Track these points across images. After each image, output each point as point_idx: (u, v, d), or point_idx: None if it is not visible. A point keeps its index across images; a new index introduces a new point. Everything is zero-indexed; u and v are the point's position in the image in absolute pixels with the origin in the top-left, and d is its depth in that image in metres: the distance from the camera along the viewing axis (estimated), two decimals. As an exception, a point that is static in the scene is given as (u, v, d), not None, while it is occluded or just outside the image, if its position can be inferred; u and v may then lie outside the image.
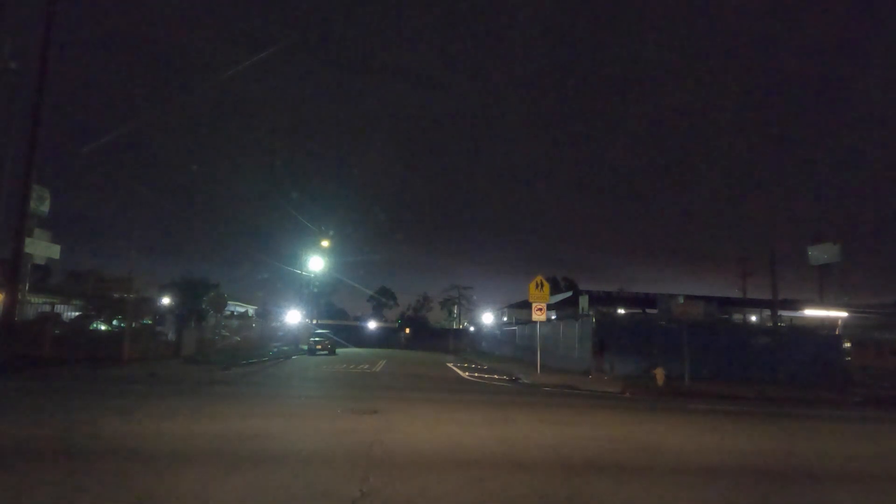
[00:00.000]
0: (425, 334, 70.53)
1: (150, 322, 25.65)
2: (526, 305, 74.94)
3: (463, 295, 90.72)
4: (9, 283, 20.48)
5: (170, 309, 26.23)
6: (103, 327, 26.83)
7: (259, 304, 55.00)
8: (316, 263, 48.50)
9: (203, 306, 26.49)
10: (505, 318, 72.76)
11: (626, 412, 14.12)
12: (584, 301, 26.60)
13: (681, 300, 22.59)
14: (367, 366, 28.65)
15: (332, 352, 40.36)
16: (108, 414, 10.36)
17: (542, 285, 25.07)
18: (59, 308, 27.09)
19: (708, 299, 27.75)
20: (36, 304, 26.91)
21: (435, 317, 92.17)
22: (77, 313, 27.36)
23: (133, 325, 24.32)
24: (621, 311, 30.15)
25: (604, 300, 28.39)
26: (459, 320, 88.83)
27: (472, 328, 74.89)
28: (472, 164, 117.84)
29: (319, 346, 39.87)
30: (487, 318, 72.52)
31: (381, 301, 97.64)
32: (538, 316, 25.04)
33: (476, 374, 25.50)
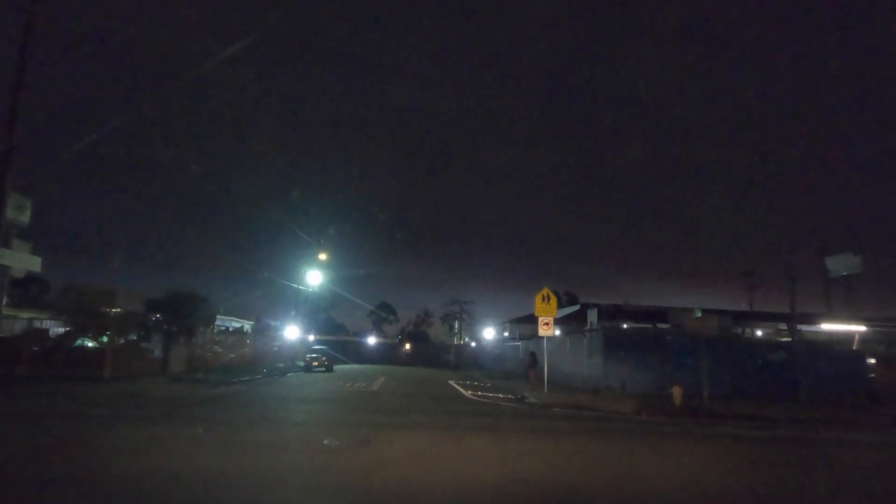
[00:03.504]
0: (426, 350, 68.66)
1: (134, 338, 23.97)
2: (528, 320, 73.13)
3: (464, 310, 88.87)
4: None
5: (156, 324, 24.59)
6: (90, 344, 25.18)
7: (256, 319, 53.36)
8: (314, 278, 46.87)
9: (192, 321, 24.84)
10: (506, 333, 70.99)
11: (647, 438, 12.45)
12: (592, 315, 24.94)
13: (698, 313, 20.96)
14: (364, 384, 26.93)
15: (329, 368, 38.60)
16: (43, 446, 8.70)
17: (548, 298, 23.45)
18: (48, 324, 25.50)
19: (721, 313, 26.15)
20: (24, 319, 25.28)
21: (436, 332, 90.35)
22: (64, 329, 25.75)
23: (116, 341, 22.66)
24: (629, 325, 28.52)
25: (612, 314, 26.71)
26: (461, 335, 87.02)
27: (473, 343, 73.06)
28: (473, 179, 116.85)
29: (316, 363, 38.11)
30: (489, 333, 70.74)
31: (381, 316, 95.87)
32: (545, 331, 23.38)
33: (480, 393, 23.79)
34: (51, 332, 25.61)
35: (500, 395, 23.24)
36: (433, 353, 66.20)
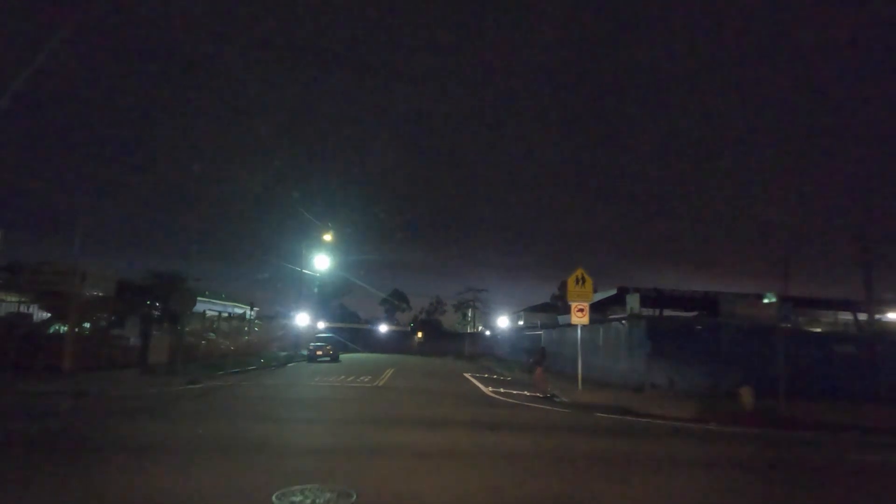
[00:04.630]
0: (439, 338, 65.08)
1: (103, 324, 20.41)
2: (543, 308, 69.54)
3: (477, 297, 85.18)
4: None
5: (130, 308, 21.05)
6: (65, 329, 21.71)
7: (262, 305, 49.90)
8: (321, 262, 43.31)
9: (170, 305, 21.26)
10: (521, 322, 67.14)
11: (758, 469, 8.57)
12: (633, 300, 20.99)
13: (771, 298, 16.94)
14: (369, 377, 23.21)
15: (334, 358, 34.97)
16: None
17: (583, 280, 19.55)
18: (35, 309, 22.08)
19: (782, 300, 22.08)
20: (12, 302, 21.87)
21: (448, 320, 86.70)
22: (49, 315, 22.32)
23: (81, 328, 19.14)
24: (672, 313, 24.62)
25: (653, 300, 22.67)
26: (474, 324, 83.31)
27: (487, 332, 69.25)
28: (486, 166, 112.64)
29: (320, 352, 34.48)
30: (503, 321, 67.05)
31: (393, 304, 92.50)
32: (579, 318, 19.49)
33: (502, 390, 19.97)
34: (35, 318, 22.23)
35: (526, 393, 19.42)
36: (446, 342, 62.60)
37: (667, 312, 26.67)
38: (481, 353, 55.13)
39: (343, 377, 22.88)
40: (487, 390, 20.05)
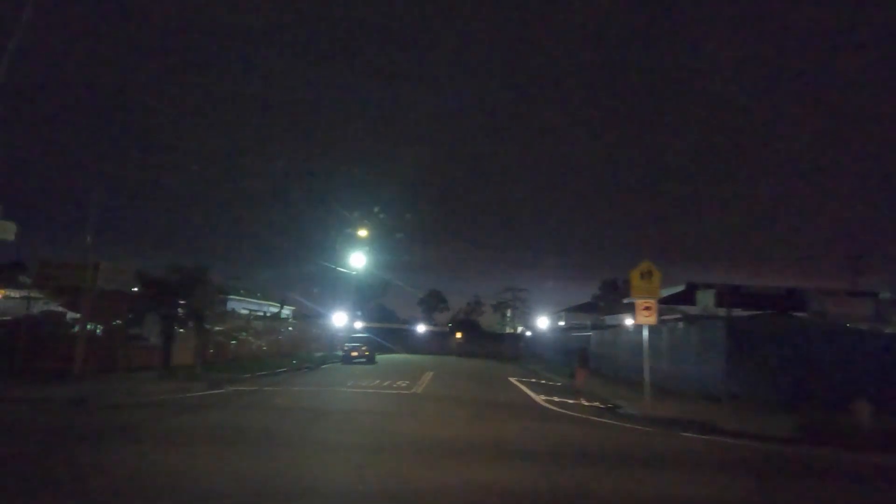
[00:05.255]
0: (478, 339, 62.52)
1: (120, 322, 18.60)
2: (586, 309, 66.34)
3: (517, 297, 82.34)
4: None
5: (151, 306, 19.23)
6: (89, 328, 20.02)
7: (299, 304, 48.23)
8: (357, 260, 41.31)
9: (194, 301, 19.36)
10: (562, 323, 64.07)
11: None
12: (706, 297, 18.10)
13: (885, 294, 13.94)
14: (406, 382, 20.88)
15: (370, 360, 32.82)
16: None
17: (649, 274, 16.78)
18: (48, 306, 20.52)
19: (865, 296, 18.92)
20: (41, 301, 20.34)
21: (487, 320, 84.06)
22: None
23: (93, 327, 17.35)
24: (748, 312, 21.56)
25: (730, 295, 19.64)
26: (514, 324, 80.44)
27: (528, 332, 66.34)
28: (525, 164, 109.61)
29: (355, 353, 32.38)
30: (542, 322, 64.20)
31: (431, 304, 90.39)
32: (645, 317, 16.69)
33: (556, 399, 17.35)
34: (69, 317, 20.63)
35: (584, 402, 16.80)
36: (485, 343, 60.02)
37: (736, 312, 23.55)
38: (523, 354, 52.36)
39: (378, 381, 20.61)
40: (539, 399, 17.47)
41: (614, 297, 72.44)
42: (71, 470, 6.70)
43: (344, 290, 48.44)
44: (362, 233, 34.22)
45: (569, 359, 34.05)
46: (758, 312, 19.73)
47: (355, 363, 31.71)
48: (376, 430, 10.37)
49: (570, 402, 16.92)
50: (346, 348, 33.01)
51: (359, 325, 51.84)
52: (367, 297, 68.55)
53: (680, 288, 19.97)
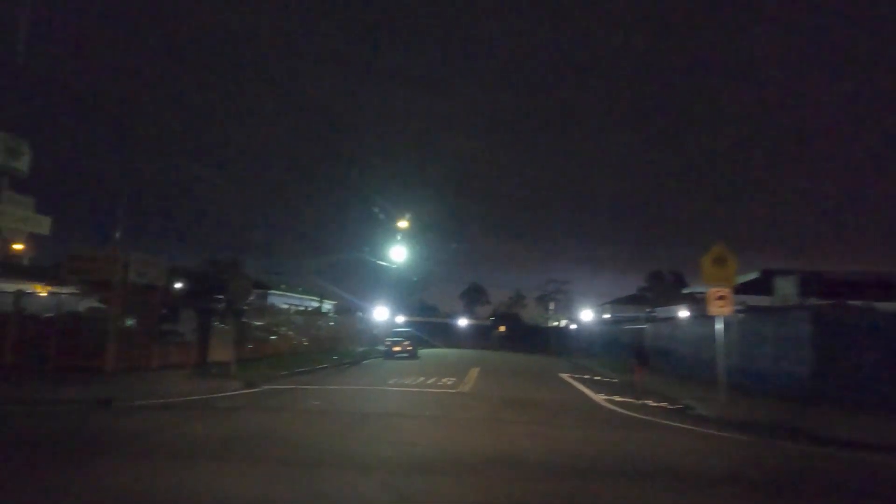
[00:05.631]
0: (520, 332, 60.68)
1: (153, 318, 17.65)
2: (631, 301, 63.72)
3: (560, 290, 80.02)
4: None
5: (186, 300, 18.26)
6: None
7: (340, 299, 47.41)
8: (398, 253, 40.05)
9: (232, 295, 18.27)
10: (608, 315, 61.67)
11: None
12: (786, 285, 15.96)
13: None
14: (452, 379, 19.39)
15: (413, 354, 31.47)
16: None
17: (723, 261, 14.84)
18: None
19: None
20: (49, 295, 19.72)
21: (528, 314, 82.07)
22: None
23: (124, 322, 16.42)
24: (831, 302, 19.22)
25: (814, 283, 17.36)
26: (557, 317, 78.18)
27: (573, 326, 64.08)
28: (567, 155, 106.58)
29: (398, 348, 31.09)
30: (586, 314, 61.99)
31: (472, 297, 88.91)
32: (719, 308, 14.78)
33: (619, 399, 15.55)
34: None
35: (650, 403, 14.97)
36: (529, 336, 58.11)
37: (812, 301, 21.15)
38: (569, 348, 50.29)
39: (422, 379, 19.18)
40: (600, 399, 15.72)
41: (662, 288, 69.53)
42: (51, 493, 5.42)
43: (384, 284, 47.48)
44: (402, 224, 32.86)
45: (620, 353, 32.05)
46: (847, 302, 17.42)
47: (397, 358, 30.45)
48: (422, 441, 8.88)
49: (634, 402, 15.13)
50: (387, 343, 31.78)
51: (400, 319, 50.77)
52: (408, 291, 67.50)
53: (753, 275, 17.82)
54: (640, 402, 15.17)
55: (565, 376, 23.14)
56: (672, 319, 33.26)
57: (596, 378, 22.62)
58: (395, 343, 31.47)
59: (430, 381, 18.33)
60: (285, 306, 32.52)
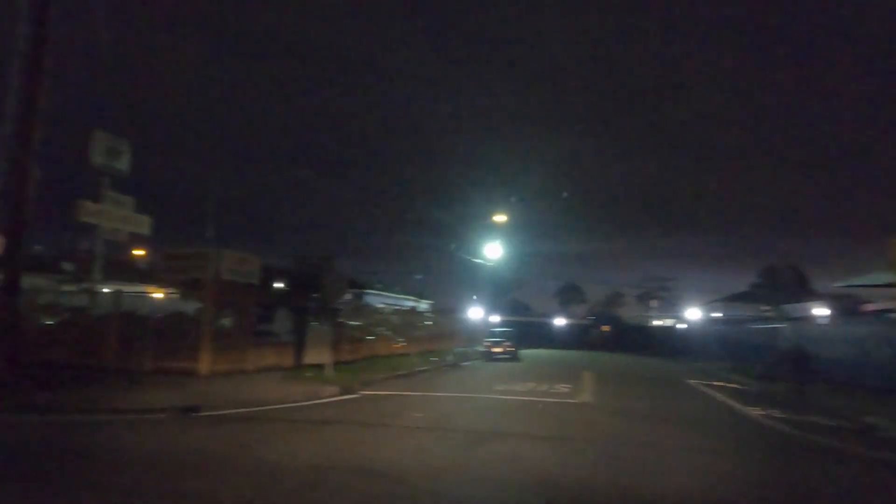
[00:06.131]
0: (623, 332, 56.73)
1: (247, 318, 16.64)
2: (743, 298, 58.01)
3: (663, 287, 74.88)
4: (9, 253, 12.44)
5: (281, 299, 17.20)
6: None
7: (435, 298, 46.13)
8: (493, 251, 38.01)
9: (325, 295, 16.98)
10: (720, 314, 56.46)
11: None
12: None
13: None
14: (566, 386, 17.04)
15: (513, 356, 29.28)
16: None
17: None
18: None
19: None
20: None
21: (627, 312, 77.31)
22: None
23: (219, 322, 15.44)
24: None
25: None
26: (661, 316, 73.05)
27: (683, 325, 59.23)
28: (666, 147, 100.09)
29: (498, 349, 29.05)
30: (692, 313, 57.09)
31: (568, 296, 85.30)
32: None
33: (777, 414, 12.59)
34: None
35: (821, 421, 11.94)
36: (632, 336, 54.06)
37: None
38: (679, 350, 46.01)
39: (532, 385, 17.00)
40: (754, 413, 12.85)
41: (779, 284, 63.02)
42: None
43: (478, 283, 45.64)
44: (500, 218, 30.72)
45: (743, 356, 28.17)
46: None
47: (498, 360, 28.41)
48: (563, 480, 6.71)
49: (800, 419, 12.14)
50: (487, 343, 29.81)
51: (495, 318, 48.72)
52: (503, 289, 65.32)
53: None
54: (806, 419, 12.18)
55: (694, 383, 20.10)
56: (807, 319, 28.95)
57: (731, 386, 19.39)
58: (495, 343, 29.45)
59: (542, 388, 16.09)
60: (381, 306, 31.33)
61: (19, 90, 12.58)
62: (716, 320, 53.55)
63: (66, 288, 17.79)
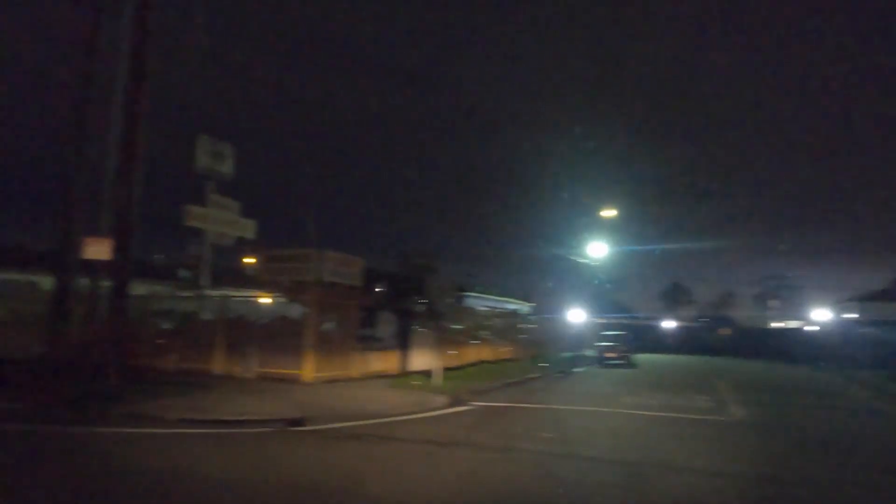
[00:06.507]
0: (741, 335, 51.63)
1: (352, 322, 15.68)
2: (885, 296, 51.08)
3: (785, 286, 68.08)
4: (116, 259, 12.10)
5: (385, 302, 16.14)
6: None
7: (535, 300, 43.92)
8: (597, 249, 35.40)
9: (431, 298, 15.73)
10: (856, 315, 49.96)
11: None
12: None
13: None
14: (703, 398, 14.67)
15: (628, 362, 26.78)
16: None
17: None
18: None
19: None
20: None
21: (742, 314, 70.81)
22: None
23: (321, 325, 14.53)
24: None
25: None
26: (782, 317, 66.35)
27: (809, 327, 53.16)
28: (784, 133, 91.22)
29: (611, 354, 26.69)
30: (821, 314, 51.04)
31: (674, 297, 79.78)
32: None
33: None
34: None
35: None
36: (749, 340, 48.90)
37: None
38: (813, 355, 40.87)
39: (663, 397, 14.78)
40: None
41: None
42: None
43: (581, 284, 42.99)
44: (609, 213, 28.24)
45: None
46: None
47: (610, 366, 26.05)
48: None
49: None
50: (599, 348, 27.49)
51: (598, 321, 45.84)
52: (603, 290, 61.84)
53: None
54: None
55: (863, 395, 16.88)
56: None
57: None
58: (608, 348, 27.08)
59: (678, 402, 13.84)
60: (483, 309, 29.85)
61: (123, 94, 12.33)
62: (854, 322, 47.47)
63: (180, 294, 17.77)
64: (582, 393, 15.94)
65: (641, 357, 33.40)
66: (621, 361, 26.46)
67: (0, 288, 20.75)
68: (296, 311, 15.03)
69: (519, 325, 31.84)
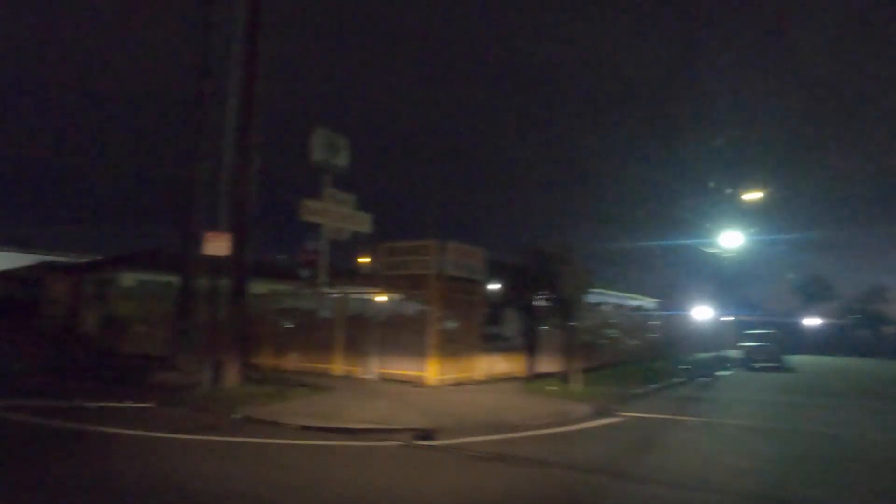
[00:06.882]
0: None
1: (475, 319, 14.24)
2: None
3: (957, 277, 58.35)
4: (234, 257, 11.52)
5: (508, 297, 14.59)
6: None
7: (659, 295, 40.36)
8: (732, 239, 31.50)
9: (565, 293, 13.89)
10: None
11: None
12: None
13: None
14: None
15: (781, 365, 23.25)
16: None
17: None
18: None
19: None
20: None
21: (892, 310, 61.55)
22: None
23: (442, 322, 13.18)
24: None
25: None
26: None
27: None
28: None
29: (760, 357, 23.30)
30: None
31: (812, 292, 71.21)
32: None
33: None
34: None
35: None
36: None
37: None
38: None
39: (857, 411, 11.94)
40: None
41: None
42: None
43: (710, 278, 38.93)
44: (753, 196, 24.73)
45: None
46: None
47: (758, 369, 22.71)
48: None
49: None
50: (745, 349, 24.17)
51: (727, 318, 41.37)
52: (731, 285, 56.04)
53: None
54: None
55: None
56: None
57: None
58: (755, 349, 23.72)
59: (882, 420, 11.00)
60: (607, 306, 27.40)
61: (238, 81, 11.76)
62: None
63: (299, 293, 17.37)
64: (742, 402, 13.44)
65: (793, 359, 29.25)
66: (773, 365, 23.00)
67: (139, 289, 21.71)
68: (414, 308, 13.90)
69: (644, 324, 29.02)
